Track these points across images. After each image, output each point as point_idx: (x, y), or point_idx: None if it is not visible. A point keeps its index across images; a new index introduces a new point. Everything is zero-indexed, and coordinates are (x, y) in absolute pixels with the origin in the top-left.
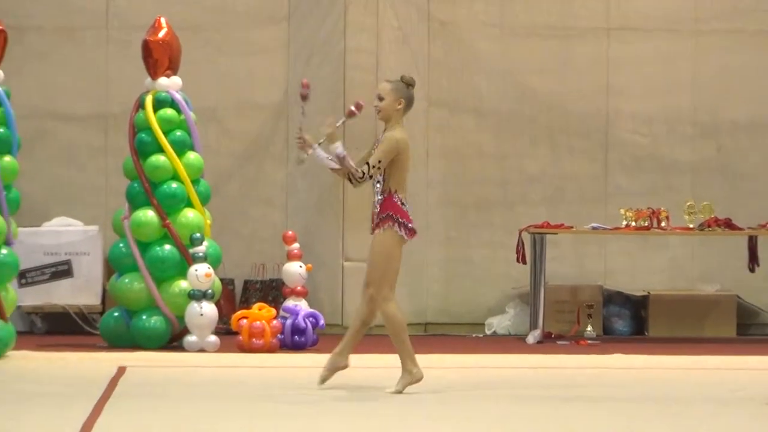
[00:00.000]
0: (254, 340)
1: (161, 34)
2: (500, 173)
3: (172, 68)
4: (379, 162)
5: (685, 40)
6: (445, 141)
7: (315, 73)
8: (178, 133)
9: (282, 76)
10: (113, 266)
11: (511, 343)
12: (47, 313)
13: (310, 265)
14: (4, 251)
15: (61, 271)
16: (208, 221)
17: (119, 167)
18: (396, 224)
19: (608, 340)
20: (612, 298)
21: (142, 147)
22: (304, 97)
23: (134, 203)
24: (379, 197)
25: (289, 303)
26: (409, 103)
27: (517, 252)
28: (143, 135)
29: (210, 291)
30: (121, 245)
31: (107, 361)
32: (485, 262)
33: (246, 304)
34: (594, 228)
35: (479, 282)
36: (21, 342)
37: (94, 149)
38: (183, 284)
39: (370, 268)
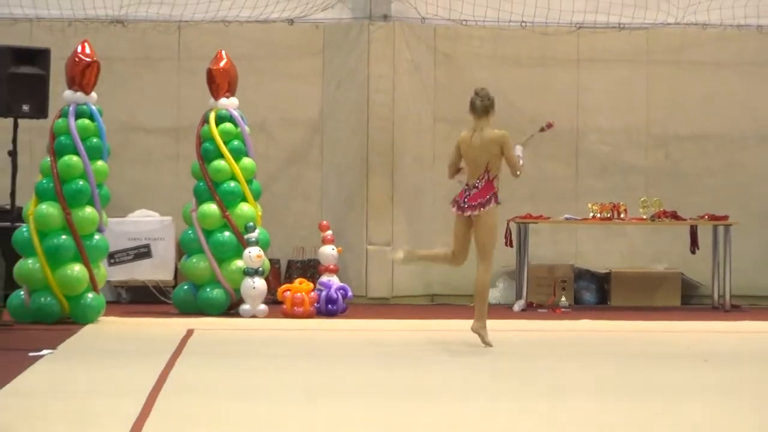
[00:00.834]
0: (296, 308)
1: (222, 64)
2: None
3: (231, 91)
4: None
5: (640, 69)
6: (448, 149)
7: (344, 94)
8: (235, 142)
9: (317, 97)
10: (183, 249)
11: (500, 310)
12: (131, 287)
13: (340, 248)
14: (97, 237)
15: (142, 252)
16: (259, 213)
17: (188, 170)
18: (495, 200)
19: (578, 308)
20: (581, 274)
21: (207, 154)
22: (543, 129)
23: (200, 199)
24: (479, 182)
25: (324, 278)
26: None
27: (506, 238)
28: (207, 144)
29: (261, 269)
30: (189, 232)
31: (178, 325)
32: None
33: (289, 279)
34: (567, 219)
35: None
36: (110, 310)
37: (168, 155)
38: (239, 263)
39: (486, 240)
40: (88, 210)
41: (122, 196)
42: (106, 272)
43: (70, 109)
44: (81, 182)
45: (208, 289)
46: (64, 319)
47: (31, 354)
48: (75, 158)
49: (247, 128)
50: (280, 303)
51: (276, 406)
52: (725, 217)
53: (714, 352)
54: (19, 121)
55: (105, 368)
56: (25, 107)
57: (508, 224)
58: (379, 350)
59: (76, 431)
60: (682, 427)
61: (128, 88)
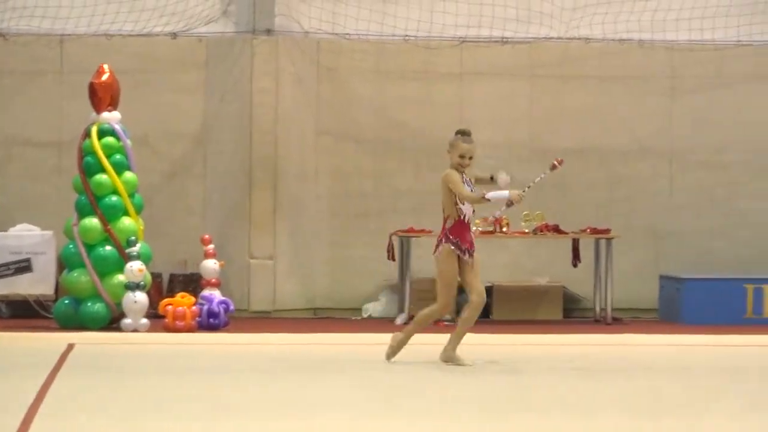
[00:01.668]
0: (177, 322)
1: (104, 78)
2: (375, 188)
3: (113, 104)
4: None
5: (524, 82)
6: (330, 162)
7: (227, 108)
8: (118, 156)
9: (200, 111)
10: (65, 263)
11: (383, 324)
12: (11, 301)
13: (223, 262)
14: None
15: (23, 267)
16: (141, 227)
17: (70, 184)
18: (444, 240)
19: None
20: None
21: (88, 168)
22: (554, 167)
23: (82, 213)
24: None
25: (206, 292)
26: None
27: (389, 252)
28: (89, 158)
29: (142, 283)
30: (71, 246)
31: (59, 339)
32: (363, 260)
33: (171, 293)
34: None
35: (358, 276)
36: None
37: (50, 169)
38: (121, 277)
39: (438, 281)
40: None
41: (6, 210)
42: None
43: None
44: None
45: (89, 304)
46: None
47: None
48: None
49: (129, 142)
50: (162, 317)
51: (158, 423)
52: (607, 231)
53: (595, 365)
54: None
55: None
56: None
57: (390, 238)
58: (260, 364)
59: None
60: None
61: (12, 101)
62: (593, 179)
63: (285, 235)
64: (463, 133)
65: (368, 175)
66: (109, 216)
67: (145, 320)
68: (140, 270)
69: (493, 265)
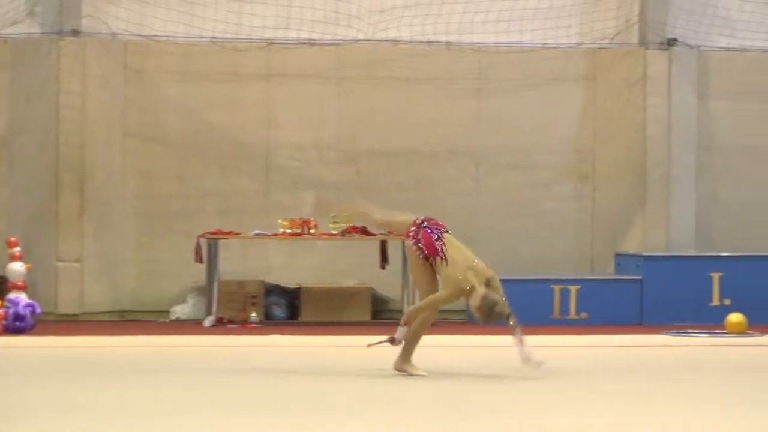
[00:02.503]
0: None
1: None
2: (182, 190)
3: None
4: None
5: (331, 84)
6: (137, 164)
7: (33, 110)
8: None
9: (6, 113)
10: None
11: (191, 326)
12: None
13: (29, 265)
14: None
15: None
16: None
17: None
18: None
19: (268, 323)
20: (272, 289)
21: None
22: (391, 342)
23: None
24: None
25: (12, 295)
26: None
27: (196, 253)
28: None
29: None
30: None
31: None
32: (170, 262)
33: None
34: (257, 234)
35: (166, 278)
36: None
37: None
38: None
39: None
40: None
41: None
42: None
43: None
44: None
45: None
46: None
47: None
48: None
49: None
50: None
51: None
52: None
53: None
54: None
55: None
56: None
57: (197, 240)
58: (64, 367)
59: None
60: None
61: None
62: (401, 181)
63: (92, 237)
64: None
65: (175, 177)
66: None
67: None
68: None
69: (301, 266)
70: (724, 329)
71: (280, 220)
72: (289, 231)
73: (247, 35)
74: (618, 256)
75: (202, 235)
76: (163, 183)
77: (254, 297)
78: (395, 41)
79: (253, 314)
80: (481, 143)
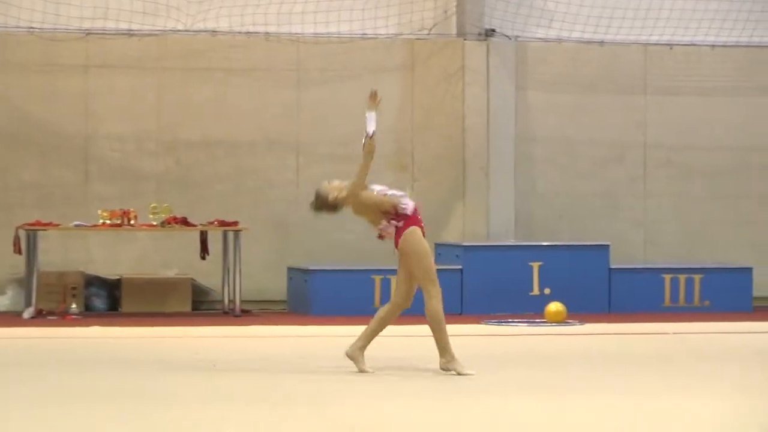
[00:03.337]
0: None
1: None
2: (1, 182)
3: None
4: None
5: (151, 75)
6: None
7: None
8: None
9: None
10: None
11: (9, 318)
12: None
13: None
14: None
15: None
16: None
17: None
18: None
19: (89, 315)
20: (92, 281)
21: None
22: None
23: None
24: None
25: None
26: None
27: (15, 245)
28: None
29: None
30: None
31: None
32: None
33: None
34: (77, 225)
35: None
36: None
37: None
38: None
39: None
40: None
41: None
42: None
43: None
44: None
45: None
46: None
47: None
48: None
49: None
50: None
51: None
52: (235, 223)
53: (223, 357)
54: None
55: None
56: None
57: (17, 231)
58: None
59: None
60: None
61: None
62: (220, 172)
63: None
64: None
65: None
66: None
67: None
68: None
69: (122, 258)
70: (544, 318)
71: (100, 211)
72: (109, 222)
73: (64, 25)
74: (438, 246)
75: (20, 227)
76: None
77: (74, 288)
78: (214, 32)
79: (73, 306)
80: (300, 133)
